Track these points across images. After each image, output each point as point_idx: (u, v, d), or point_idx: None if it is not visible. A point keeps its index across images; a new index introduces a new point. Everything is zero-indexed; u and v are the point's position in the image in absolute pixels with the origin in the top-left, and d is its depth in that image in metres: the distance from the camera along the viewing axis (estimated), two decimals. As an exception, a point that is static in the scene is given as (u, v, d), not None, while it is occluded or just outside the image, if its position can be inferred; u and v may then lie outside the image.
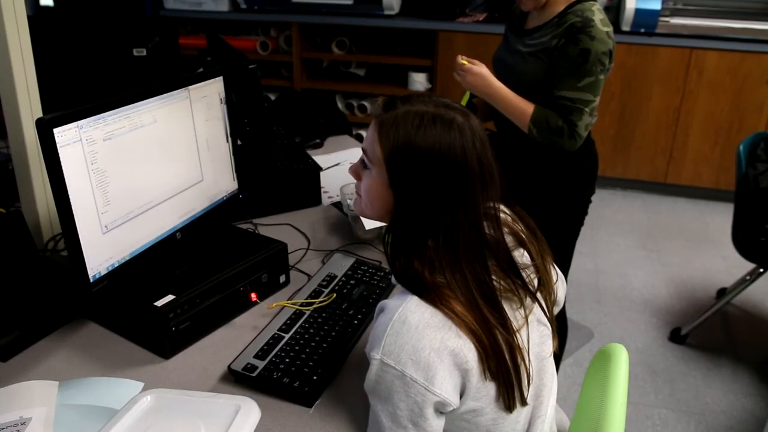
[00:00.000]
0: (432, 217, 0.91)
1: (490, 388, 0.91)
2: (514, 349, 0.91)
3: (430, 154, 0.90)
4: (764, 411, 2.23)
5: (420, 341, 0.86)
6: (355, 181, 1.05)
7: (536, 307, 1.01)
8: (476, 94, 1.72)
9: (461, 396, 0.90)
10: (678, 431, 2.14)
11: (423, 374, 0.86)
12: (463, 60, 1.70)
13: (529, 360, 0.95)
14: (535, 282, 1.01)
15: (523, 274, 0.97)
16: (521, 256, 1.00)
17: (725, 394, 2.31)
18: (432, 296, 0.89)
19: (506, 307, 0.93)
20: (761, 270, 2.47)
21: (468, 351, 0.87)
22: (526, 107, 1.65)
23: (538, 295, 1.00)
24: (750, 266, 2.53)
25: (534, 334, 1.00)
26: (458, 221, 0.91)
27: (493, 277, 0.93)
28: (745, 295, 2.75)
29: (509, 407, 0.92)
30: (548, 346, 1.04)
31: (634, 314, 2.75)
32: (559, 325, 2.28)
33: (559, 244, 1.86)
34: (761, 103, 3.49)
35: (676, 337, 2.59)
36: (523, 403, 0.94)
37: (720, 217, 3.59)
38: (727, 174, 3.66)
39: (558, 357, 2.27)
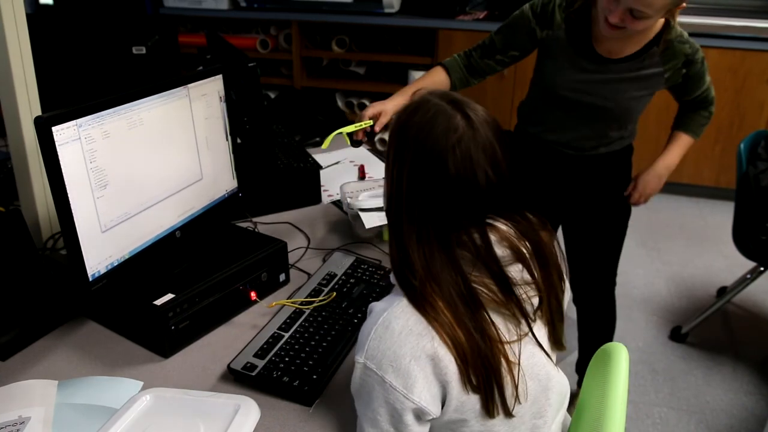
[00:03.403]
0: (410, 206, 0.90)
1: (473, 402, 0.89)
2: (497, 356, 0.88)
3: (413, 137, 0.90)
4: (765, 410, 2.22)
5: (401, 348, 0.86)
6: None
7: (537, 324, 0.97)
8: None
9: (443, 405, 0.89)
10: (678, 430, 2.14)
11: (402, 382, 0.86)
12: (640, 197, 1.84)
13: (519, 373, 0.92)
14: (535, 301, 0.96)
15: (520, 290, 0.93)
16: (520, 272, 0.95)
17: (725, 393, 2.30)
18: (420, 300, 0.88)
19: (498, 319, 0.91)
20: (762, 268, 2.47)
21: (448, 362, 0.86)
22: (686, 142, 1.82)
23: (537, 314, 0.96)
24: (750, 265, 2.53)
25: (538, 354, 0.97)
26: (431, 219, 0.90)
27: (483, 289, 0.90)
28: (745, 293, 2.74)
29: (490, 413, 0.90)
30: (552, 366, 1.00)
31: (634, 313, 2.75)
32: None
33: (611, 244, 1.95)
34: (762, 102, 3.48)
35: (676, 335, 2.59)
36: (507, 413, 0.91)
37: (720, 216, 3.59)
38: (728, 172, 3.65)
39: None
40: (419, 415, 0.88)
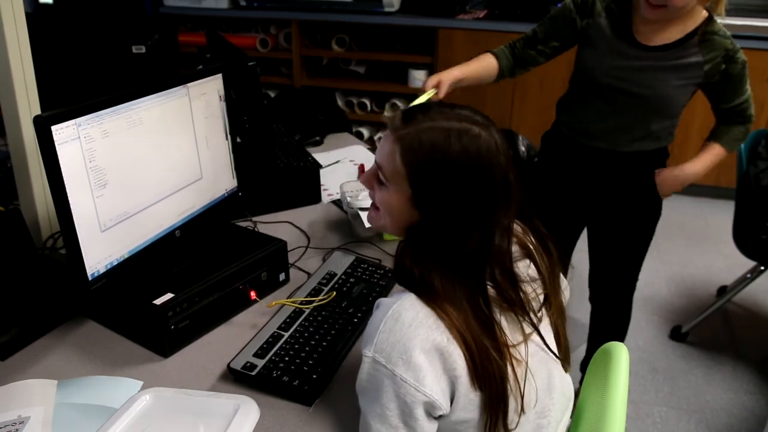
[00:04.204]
0: (455, 230, 0.90)
1: (481, 400, 0.89)
2: (504, 358, 0.88)
3: (457, 174, 0.88)
4: (765, 409, 2.22)
5: (411, 340, 0.85)
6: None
7: (543, 322, 0.98)
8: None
9: (452, 403, 0.89)
10: (678, 429, 2.14)
11: (413, 374, 0.85)
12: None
13: (526, 374, 0.92)
14: (541, 298, 0.98)
15: (530, 288, 0.95)
16: (527, 267, 0.97)
17: (726, 392, 2.30)
18: (429, 297, 0.88)
19: (507, 320, 0.92)
20: (762, 268, 2.47)
21: (458, 357, 0.86)
22: (718, 152, 1.78)
23: (543, 312, 0.98)
24: (751, 264, 2.53)
25: (542, 353, 0.97)
26: (472, 238, 0.89)
27: (491, 288, 0.91)
28: (745, 293, 2.74)
29: (495, 416, 0.89)
30: (556, 365, 1.01)
31: (634, 312, 2.72)
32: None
33: (636, 248, 1.92)
34: (762, 101, 3.47)
35: (676, 335, 2.59)
36: (506, 427, 0.90)
37: (721, 215, 3.59)
38: (728, 172, 3.63)
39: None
40: (429, 410, 0.88)
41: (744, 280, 2.55)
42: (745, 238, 2.39)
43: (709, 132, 1.86)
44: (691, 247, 3.28)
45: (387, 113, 3.98)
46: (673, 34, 1.62)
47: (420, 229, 0.93)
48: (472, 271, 0.90)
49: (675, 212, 3.66)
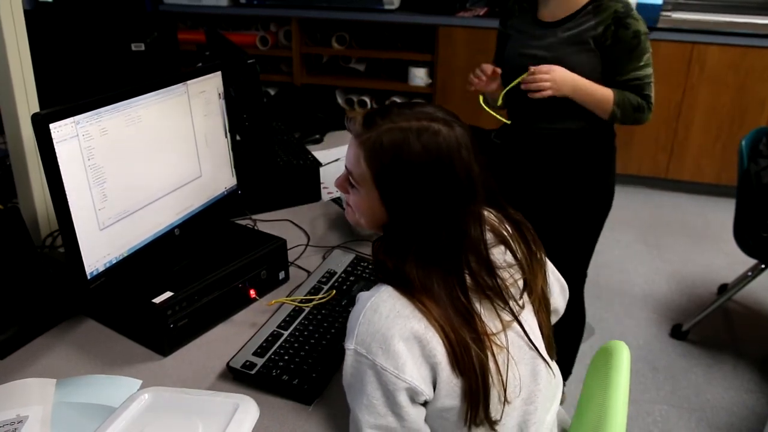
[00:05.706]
0: (425, 225, 0.92)
1: (461, 387, 0.90)
2: (485, 348, 0.90)
3: (420, 172, 0.90)
4: (765, 408, 2.22)
5: (389, 330, 0.87)
6: None
7: (526, 309, 1.00)
8: (560, 91, 1.67)
9: (435, 389, 0.90)
10: (679, 428, 2.14)
11: (393, 362, 0.87)
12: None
13: (508, 363, 0.93)
14: (521, 283, 1.00)
15: (507, 273, 0.97)
16: (503, 254, 1.00)
17: (726, 391, 2.30)
18: (407, 288, 0.90)
19: (487, 308, 0.94)
20: (763, 266, 2.46)
21: (436, 344, 0.88)
22: (607, 91, 1.71)
23: (525, 298, 1.00)
24: (751, 262, 2.52)
25: (525, 339, 0.98)
26: (442, 231, 0.91)
27: (468, 277, 0.93)
28: (746, 291, 2.74)
29: (473, 419, 0.90)
30: (540, 351, 1.01)
31: (635, 310, 2.74)
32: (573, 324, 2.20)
33: (582, 237, 1.94)
34: (763, 99, 3.47)
35: (677, 333, 2.58)
36: (489, 419, 0.92)
37: (721, 213, 3.58)
38: (729, 169, 3.65)
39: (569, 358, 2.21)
40: (412, 396, 0.89)
41: (745, 278, 2.55)
42: (746, 236, 2.39)
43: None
44: (691, 245, 3.28)
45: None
46: (570, 8, 1.73)
47: (393, 226, 0.96)
48: (448, 262, 0.92)
49: (675, 210, 3.66)
